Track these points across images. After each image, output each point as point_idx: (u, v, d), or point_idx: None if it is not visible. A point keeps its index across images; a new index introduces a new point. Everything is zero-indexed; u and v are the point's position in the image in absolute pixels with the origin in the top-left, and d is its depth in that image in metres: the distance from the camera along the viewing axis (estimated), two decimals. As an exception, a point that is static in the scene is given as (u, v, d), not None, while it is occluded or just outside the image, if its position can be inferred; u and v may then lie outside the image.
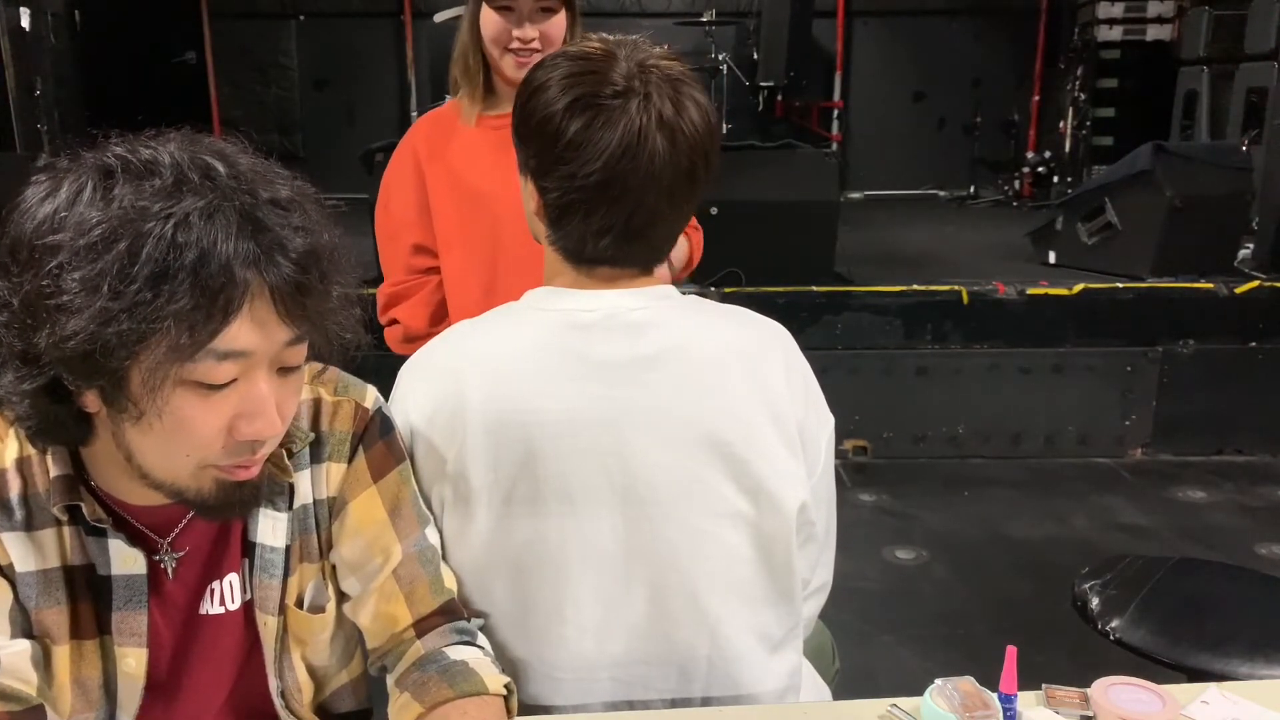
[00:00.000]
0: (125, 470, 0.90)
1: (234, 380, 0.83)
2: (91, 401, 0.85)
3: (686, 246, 1.82)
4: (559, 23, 1.73)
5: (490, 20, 1.72)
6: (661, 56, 1.08)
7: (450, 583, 1.08)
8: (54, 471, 0.91)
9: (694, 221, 1.89)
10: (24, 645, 0.92)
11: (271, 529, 1.00)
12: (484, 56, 1.77)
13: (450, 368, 1.11)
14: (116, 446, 0.87)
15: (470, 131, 1.80)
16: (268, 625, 1.01)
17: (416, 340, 1.84)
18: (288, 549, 1.01)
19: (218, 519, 0.96)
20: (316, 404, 1.03)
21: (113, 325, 0.76)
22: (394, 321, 1.87)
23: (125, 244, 0.76)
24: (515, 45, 1.72)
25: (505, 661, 1.11)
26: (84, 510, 0.91)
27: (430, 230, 1.83)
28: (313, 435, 1.02)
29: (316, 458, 1.03)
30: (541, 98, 1.06)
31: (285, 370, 0.88)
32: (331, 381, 1.05)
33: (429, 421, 1.10)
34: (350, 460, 1.04)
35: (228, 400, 0.84)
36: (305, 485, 1.02)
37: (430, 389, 1.11)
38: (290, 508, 1.01)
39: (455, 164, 1.80)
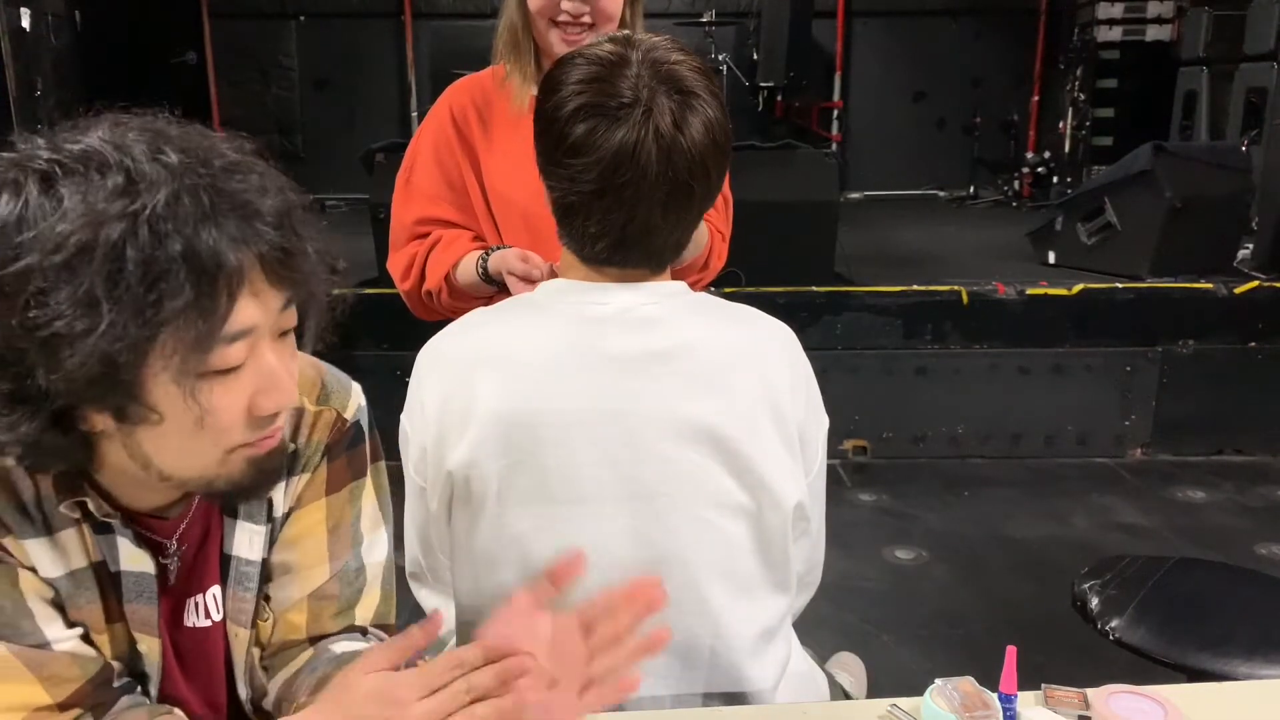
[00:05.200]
0: (129, 478, 0.88)
1: (244, 359, 0.81)
2: (99, 421, 0.81)
3: (706, 239, 1.72)
4: None
5: None
6: (680, 62, 1.08)
7: (367, 609, 1.04)
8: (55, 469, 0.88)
9: (723, 227, 1.82)
10: (78, 630, 0.92)
11: (249, 542, 0.99)
12: (531, 31, 1.64)
13: (463, 358, 1.13)
14: (130, 458, 0.83)
15: (516, 118, 1.66)
16: (239, 637, 1.00)
17: (434, 296, 1.72)
18: (264, 562, 1.00)
19: (252, 498, 0.95)
20: (298, 414, 1.00)
21: (123, 337, 0.72)
22: (419, 285, 1.73)
23: (103, 250, 0.71)
24: (564, 18, 1.59)
25: None
26: (90, 506, 0.89)
27: (451, 206, 1.72)
28: (292, 447, 1.00)
29: (291, 470, 1.01)
30: (554, 98, 1.08)
31: (283, 335, 0.86)
32: (314, 387, 1.02)
33: (441, 410, 1.11)
34: (315, 469, 1.02)
35: (243, 380, 0.82)
36: (279, 497, 1.01)
37: (443, 378, 1.13)
38: (268, 520, 1.00)
39: (490, 157, 1.70)
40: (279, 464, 0.91)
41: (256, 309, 0.80)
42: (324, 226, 0.88)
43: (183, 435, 0.81)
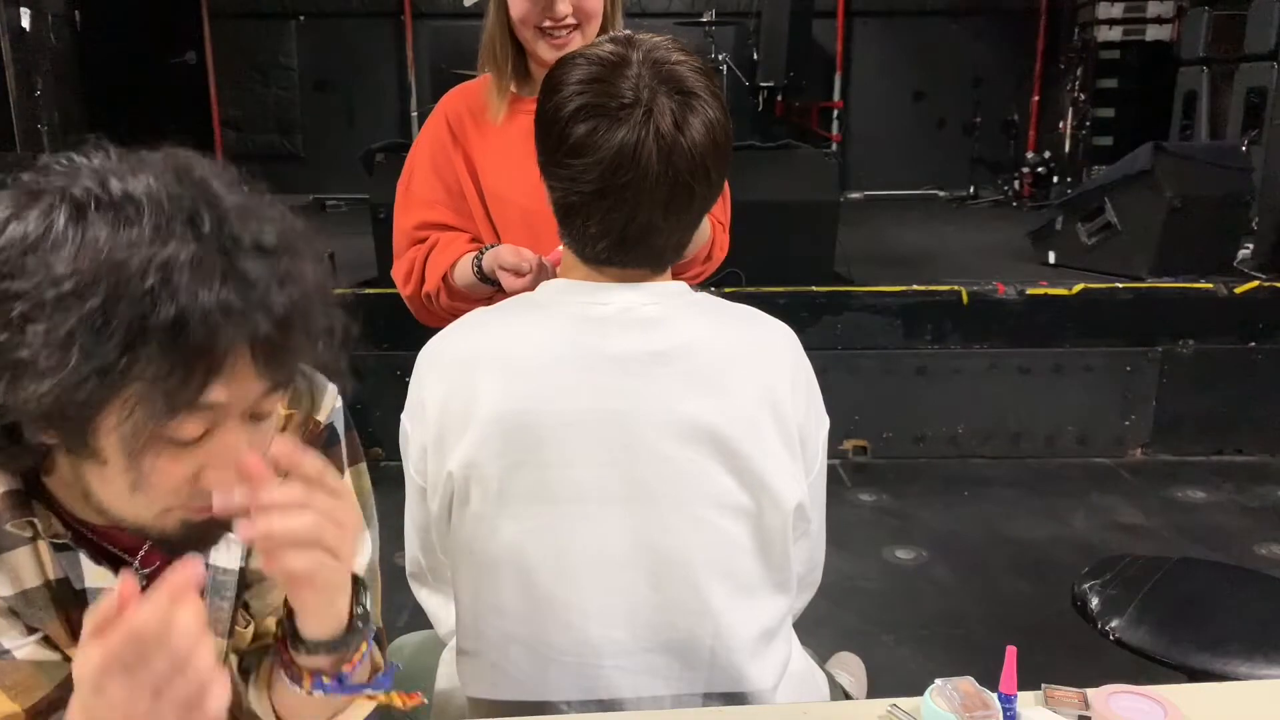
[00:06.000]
0: (77, 493, 0.86)
1: (201, 434, 0.78)
2: (50, 437, 0.79)
3: (709, 233, 1.72)
4: None
5: (517, 1, 1.59)
6: (681, 62, 1.08)
7: None
8: (3, 487, 0.85)
9: (723, 218, 1.82)
10: (38, 635, 0.90)
11: (226, 551, 0.97)
12: (513, 38, 1.65)
13: (464, 358, 1.14)
14: (74, 479, 0.82)
15: (500, 125, 1.69)
16: (215, 647, 0.99)
17: (433, 299, 1.73)
18: (242, 570, 0.99)
19: (184, 553, 0.90)
20: None
21: (81, 390, 0.71)
22: (419, 288, 1.75)
23: (98, 300, 0.70)
24: (548, 24, 1.59)
25: (513, 649, 1.13)
26: (39, 526, 0.86)
27: (449, 210, 1.74)
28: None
29: None
30: (554, 99, 1.09)
31: (258, 417, 0.83)
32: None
33: (442, 411, 1.11)
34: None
35: (195, 453, 0.79)
36: None
37: (444, 378, 1.13)
38: None
39: (484, 159, 1.72)
40: (220, 530, 0.88)
41: (228, 391, 0.77)
42: (344, 307, 0.85)
43: (122, 485, 0.79)
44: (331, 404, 1.03)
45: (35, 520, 0.86)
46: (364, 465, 1.08)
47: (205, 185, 0.77)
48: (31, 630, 0.90)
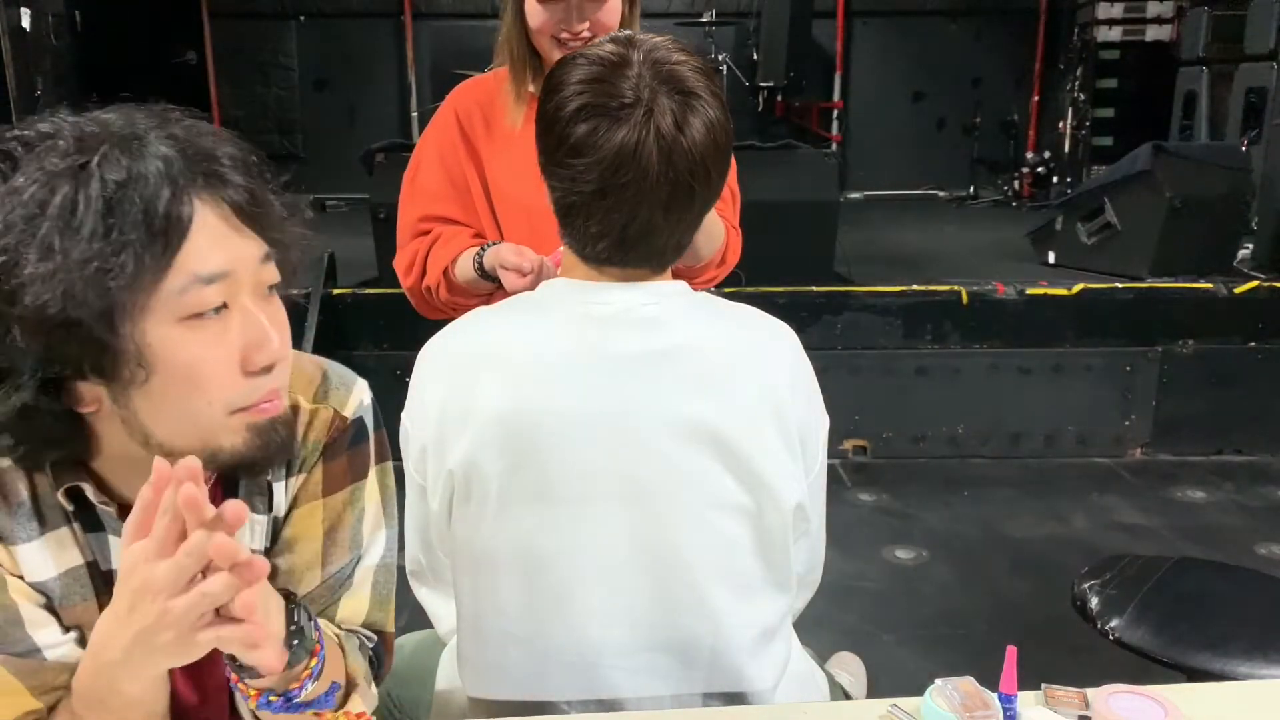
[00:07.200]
0: (129, 464, 0.87)
1: (225, 310, 0.82)
2: (89, 394, 0.81)
3: (723, 237, 1.72)
4: (612, 9, 1.61)
5: (535, 11, 1.60)
6: (681, 62, 1.08)
7: (350, 611, 1.03)
8: (50, 459, 0.87)
9: (734, 219, 1.82)
10: (73, 635, 0.91)
11: (249, 530, 0.98)
12: (529, 42, 1.66)
13: (464, 357, 1.14)
14: (130, 435, 0.83)
15: (520, 129, 1.69)
16: None
17: (433, 292, 1.74)
18: (266, 551, 0.99)
19: (261, 472, 0.94)
20: (294, 412, 0.98)
21: (79, 274, 0.74)
22: (420, 281, 1.76)
23: (59, 198, 0.75)
24: (564, 36, 1.61)
25: (513, 648, 1.13)
26: (88, 493, 0.88)
27: (454, 204, 1.74)
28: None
29: (290, 470, 1.00)
30: (555, 98, 1.09)
31: (266, 293, 0.87)
32: (312, 385, 1.01)
33: (442, 409, 1.11)
34: (311, 469, 1.01)
35: (228, 333, 0.83)
36: (280, 497, 1.00)
37: (445, 377, 1.13)
38: (269, 511, 0.99)
39: (494, 157, 1.73)
40: (285, 436, 0.90)
41: (226, 254, 0.81)
42: (286, 192, 0.91)
43: (176, 394, 0.81)
44: (359, 400, 1.04)
45: (84, 486, 0.88)
46: (390, 464, 1.09)
47: (123, 107, 0.85)
48: (68, 629, 0.91)
